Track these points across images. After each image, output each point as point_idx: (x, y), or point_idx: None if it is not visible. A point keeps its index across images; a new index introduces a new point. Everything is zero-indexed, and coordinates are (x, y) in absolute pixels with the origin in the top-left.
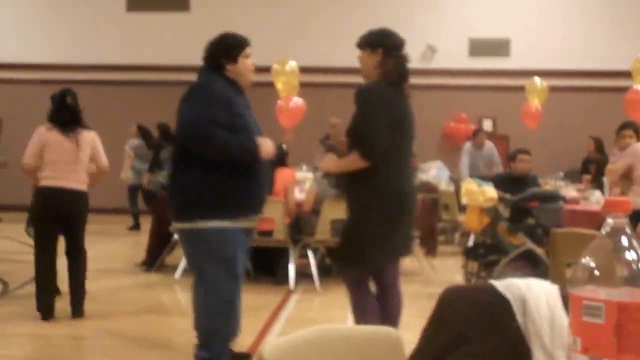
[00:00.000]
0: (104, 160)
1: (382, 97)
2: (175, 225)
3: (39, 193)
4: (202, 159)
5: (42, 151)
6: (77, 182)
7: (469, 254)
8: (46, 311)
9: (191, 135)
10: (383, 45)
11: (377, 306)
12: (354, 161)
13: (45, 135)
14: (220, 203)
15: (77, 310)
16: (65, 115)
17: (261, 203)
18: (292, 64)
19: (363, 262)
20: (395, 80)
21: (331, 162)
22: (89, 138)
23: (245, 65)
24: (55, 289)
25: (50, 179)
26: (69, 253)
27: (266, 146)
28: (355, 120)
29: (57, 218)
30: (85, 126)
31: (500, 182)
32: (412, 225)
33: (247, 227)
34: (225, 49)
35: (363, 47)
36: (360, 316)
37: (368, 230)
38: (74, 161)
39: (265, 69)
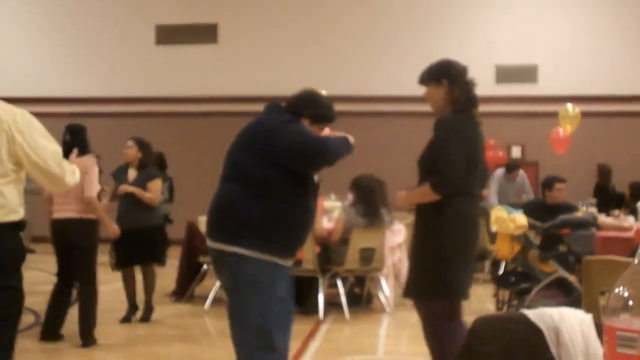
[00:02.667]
0: (87, 189)
1: (460, 129)
2: (217, 246)
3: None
4: (272, 188)
5: None
6: (70, 211)
7: (500, 282)
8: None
9: (316, 151)
10: (447, 75)
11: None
12: (426, 194)
13: None
14: (273, 236)
15: (85, 341)
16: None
17: (301, 245)
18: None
19: (451, 290)
20: (464, 107)
21: (404, 198)
22: (81, 164)
23: (313, 129)
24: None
25: (53, 212)
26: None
27: (350, 137)
28: (431, 152)
29: (63, 249)
30: (85, 152)
31: (532, 210)
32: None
33: (286, 266)
34: (315, 109)
35: (427, 82)
36: (450, 348)
37: (451, 258)
38: (66, 192)
39: None
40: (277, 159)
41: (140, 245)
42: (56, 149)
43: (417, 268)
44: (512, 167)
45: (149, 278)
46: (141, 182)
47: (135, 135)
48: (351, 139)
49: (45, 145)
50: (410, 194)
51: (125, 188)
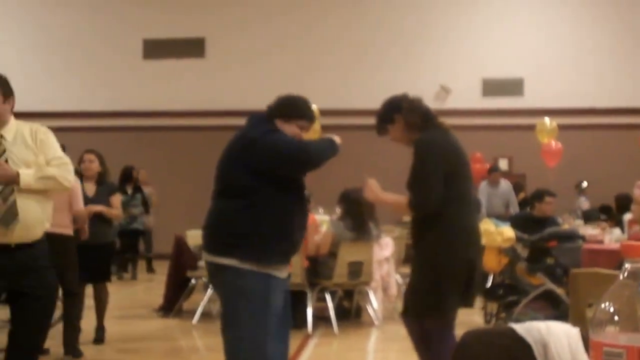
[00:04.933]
0: (75, 204)
1: (434, 145)
2: (212, 259)
3: None
4: (260, 199)
5: None
6: (55, 226)
7: (488, 294)
8: None
9: (299, 156)
10: (394, 109)
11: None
12: (400, 206)
13: None
14: (265, 246)
15: (69, 349)
16: None
17: (296, 252)
18: (313, 108)
19: (445, 307)
20: (424, 124)
21: (374, 192)
22: None
23: (291, 131)
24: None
25: None
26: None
27: (336, 138)
28: (411, 172)
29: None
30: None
31: (519, 223)
32: (481, 265)
33: (281, 277)
34: (289, 106)
35: (384, 128)
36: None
37: (444, 274)
38: (55, 207)
39: None
40: (262, 169)
41: (98, 261)
42: (63, 154)
43: (411, 284)
44: (491, 170)
45: (103, 297)
46: (104, 198)
47: (90, 148)
48: (337, 139)
49: (55, 149)
50: (385, 195)
51: (92, 208)
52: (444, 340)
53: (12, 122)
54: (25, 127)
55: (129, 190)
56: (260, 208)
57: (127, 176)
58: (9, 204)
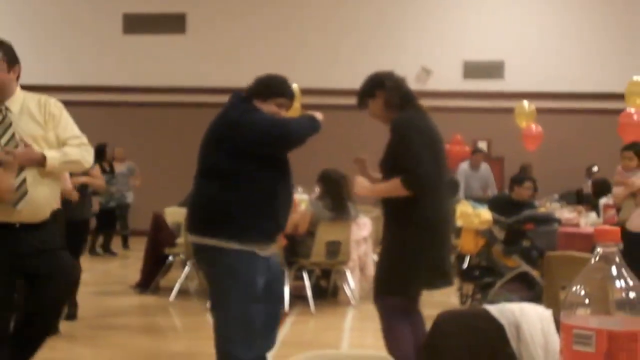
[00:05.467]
0: (62, 184)
1: (414, 124)
2: (196, 240)
3: None
4: (243, 179)
5: None
6: None
7: (464, 276)
8: None
9: (279, 134)
10: (377, 85)
11: (412, 334)
12: (394, 188)
13: None
14: (249, 226)
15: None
16: None
17: (281, 230)
18: (294, 87)
19: (407, 288)
20: (403, 103)
21: (365, 187)
22: None
23: (270, 109)
24: None
25: None
26: None
27: (317, 114)
28: (390, 153)
29: None
30: None
31: (497, 205)
32: (450, 251)
33: (265, 255)
34: (266, 85)
35: (365, 102)
36: (395, 344)
37: (411, 257)
38: None
39: None
40: (243, 149)
41: (72, 237)
42: (80, 133)
43: (380, 265)
44: (474, 151)
45: (77, 273)
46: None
47: None
48: (319, 116)
49: (72, 127)
50: (377, 186)
51: (78, 180)
52: (394, 320)
53: (18, 93)
54: (33, 98)
55: (107, 168)
56: (243, 188)
57: (99, 153)
58: (18, 181)
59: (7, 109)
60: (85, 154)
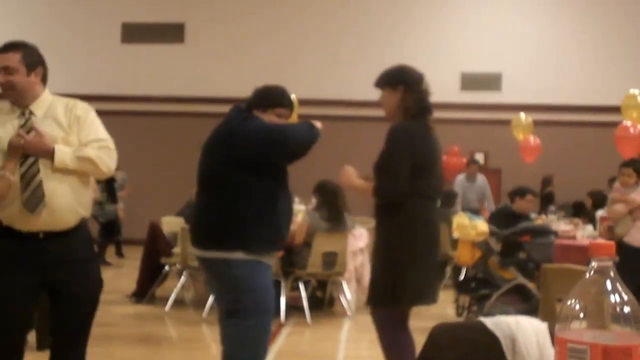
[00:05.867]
0: None
1: (409, 136)
2: (201, 254)
3: None
4: (243, 189)
5: None
6: None
7: (461, 287)
8: None
9: (275, 141)
10: (404, 81)
11: (414, 345)
12: (365, 192)
13: None
14: (252, 235)
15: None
16: None
17: (285, 238)
18: (292, 97)
19: (400, 298)
20: (416, 114)
21: (348, 177)
22: None
23: (270, 119)
24: None
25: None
26: None
27: (317, 122)
28: (380, 158)
29: None
30: None
31: (499, 217)
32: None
33: (270, 264)
34: (265, 95)
35: (383, 86)
36: (396, 357)
37: (403, 266)
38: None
39: None
40: (243, 159)
41: None
42: (107, 136)
43: (372, 274)
44: (468, 163)
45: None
46: None
47: None
48: (318, 124)
49: (96, 130)
50: (358, 181)
51: None
52: (395, 333)
53: (45, 97)
54: (61, 102)
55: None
56: (244, 198)
57: None
58: (33, 185)
59: (31, 112)
60: (104, 157)
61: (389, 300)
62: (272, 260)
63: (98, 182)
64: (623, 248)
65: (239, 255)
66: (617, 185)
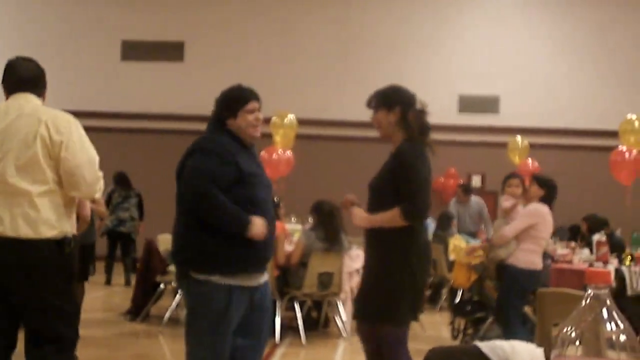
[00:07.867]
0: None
1: (423, 157)
2: (179, 270)
3: None
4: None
5: None
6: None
7: (456, 310)
8: None
9: (192, 191)
10: (401, 102)
11: None
12: (393, 219)
13: None
14: (223, 256)
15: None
16: None
17: (264, 261)
18: (291, 117)
19: (401, 316)
20: (417, 135)
21: (363, 218)
22: None
23: (246, 121)
24: None
25: None
26: None
27: (258, 226)
28: (386, 178)
29: None
30: None
31: None
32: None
33: (249, 285)
34: (227, 102)
35: (378, 107)
36: None
37: (403, 284)
38: None
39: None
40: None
41: (81, 261)
42: (93, 155)
43: (364, 289)
44: (465, 188)
45: (79, 297)
46: None
47: None
48: (259, 225)
49: (83, 149)
50: (373, 217)
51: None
52: (399, 353)
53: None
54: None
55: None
56: (204, 221)
57: (125, 181)
58: None
59: None
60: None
61: (392, 319)
62: (253, 282)
63: (125, 198)
64: (507, 270)
65: (212, 277)
66: (506, 196)
